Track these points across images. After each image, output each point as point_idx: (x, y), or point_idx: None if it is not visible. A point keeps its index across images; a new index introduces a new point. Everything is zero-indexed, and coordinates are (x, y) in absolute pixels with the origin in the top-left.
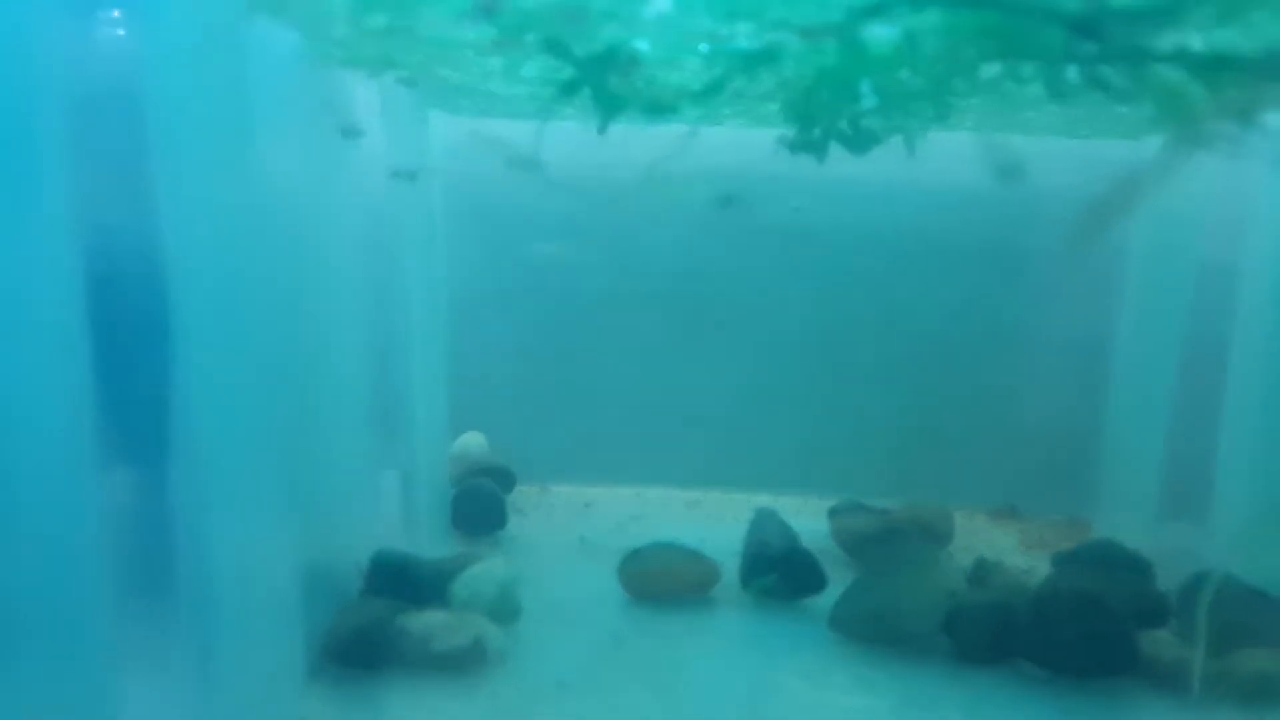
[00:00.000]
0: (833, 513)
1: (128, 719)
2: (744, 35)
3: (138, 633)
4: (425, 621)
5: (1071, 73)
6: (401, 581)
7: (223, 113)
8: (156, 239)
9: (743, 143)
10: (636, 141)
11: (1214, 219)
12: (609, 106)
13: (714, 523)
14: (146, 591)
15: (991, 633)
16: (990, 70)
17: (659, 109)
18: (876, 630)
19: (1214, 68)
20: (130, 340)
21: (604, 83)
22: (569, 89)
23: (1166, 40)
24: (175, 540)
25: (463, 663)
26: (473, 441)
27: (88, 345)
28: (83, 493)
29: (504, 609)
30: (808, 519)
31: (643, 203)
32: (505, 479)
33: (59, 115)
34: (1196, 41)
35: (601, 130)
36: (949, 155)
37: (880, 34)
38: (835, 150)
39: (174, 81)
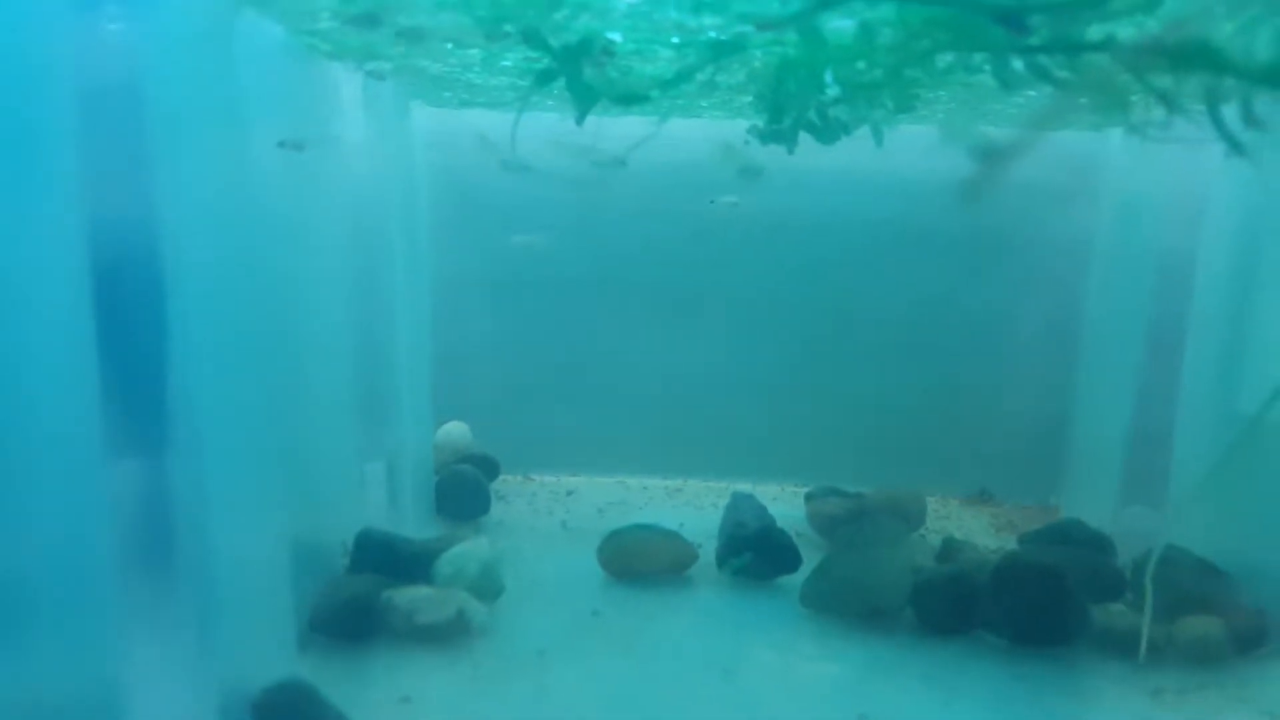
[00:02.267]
0: (809, 497)
1: (135, 686)
2: (712, 27)
3: (143, 606)
4: (410, 596)
5: (1017, 64)
6: (386, 559)
7: (216, 105)
8: (156, 232)
9: (720, 136)
10: (612, 132)
11: (1173, 207)
12: (584, 96)
13: (693, 509)
14: (150, 568)
15: (953, 604)
16: (944, 60)
17: (632, 98)
18: (845, 604)
19: (1141, 54)
20: (132, 329)
21: (579, 72)
22: (545, 78)
23: (1098, 31)
24: (176, 520)
25: (446, 634)
26: (456, 430)
27: (93, 336)
28: (90, 477)
29: (487, 586)
30: (784, 505)
31: (623, 193)
32: (489, 467)
33: (67, 109)
34: (1126, 31)
35: (579, 120)
36: (918, 146)
37: (839, 26)
38: (806, 140)
39: (171, 74)
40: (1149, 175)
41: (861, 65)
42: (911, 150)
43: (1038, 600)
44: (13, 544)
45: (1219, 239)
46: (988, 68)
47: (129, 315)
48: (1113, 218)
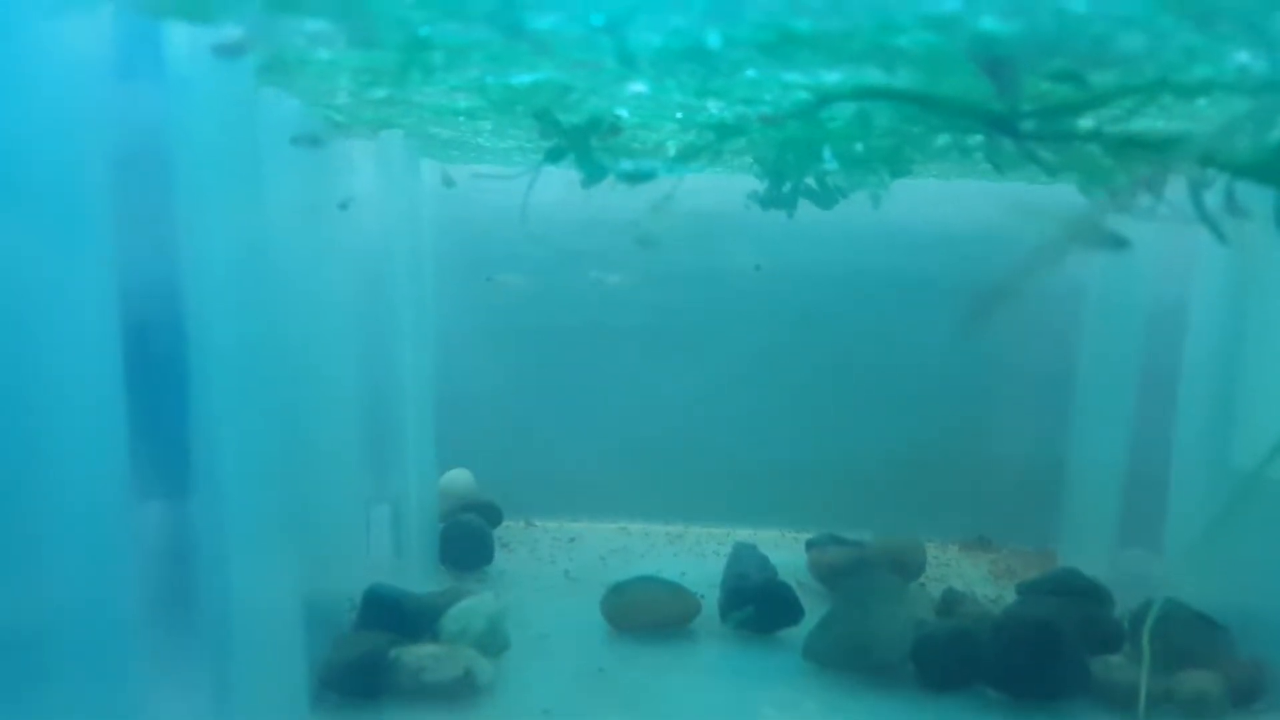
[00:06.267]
0: (809, 545)
1: None
2: (715, 107)
3: (164, 657)
4: (418, 654)
5: (1008, 146)
6: (393, 615)
7: (237, 171)
8: (180, 288)
9: (719, 186)
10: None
11: (1165, 256)
12: (593, 171)
13: (695, 556)
14: (172, 619)
15: (955, 659)
16: (939, 140)
17: (639, 178)
18: (848, 659)
19: (1126, 146)
20: (157, 381)
21: (588, 148)
22: (555, 155)
23: (1086, 121)
24: (198, 571)
25: (454, 693)
26: (459, 478)
27: (121, 385)
28: (116, 526)
29: (493, 642)
30: (785, 552)
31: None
32: (491, 514)
33: (102, 172)
34: (1113, 125)
35: (586, 187)
36: (912, 199)
37: (837, 109)
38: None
39: (197, 142)
40: (1138, 227)
41: (859, 146)
42: (905, 202)
43: (1037, 655)
44: (39, 590)
45: (1210, 287)
46: (979, 149)
47: (154, 364)
48: (1105, 265)
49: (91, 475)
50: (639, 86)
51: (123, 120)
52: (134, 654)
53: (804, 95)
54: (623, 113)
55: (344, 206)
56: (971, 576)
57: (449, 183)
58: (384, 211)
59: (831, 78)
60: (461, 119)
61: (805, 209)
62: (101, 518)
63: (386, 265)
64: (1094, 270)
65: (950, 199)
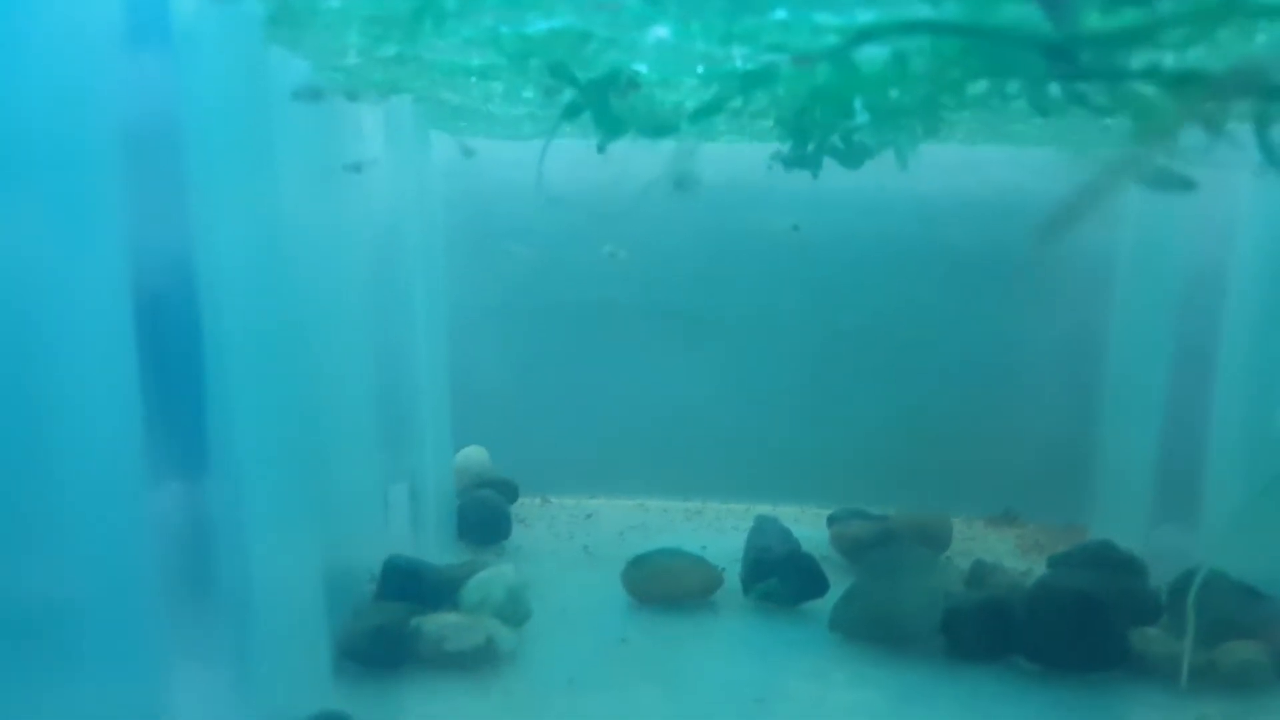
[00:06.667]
0: (831, 520)
1: (177, 712)
2: (740, 57)
3: (185, 634)
4: (439, 622)
5: (1054, 89)
6: (413, 586)
7: (249, 139)
8: (194, 262)
9: (736, 156)
10: (636, 157)
11: (1201, 221)
12: (610, 127)
13: (714, 531)
14: (192, 595)
15: (987, 630)
16: (977, 87)
17: (661, 130)
18: (875, 631)
19: (1183, 83)
20: (172, 360)
21: (605, 105)
22: (571, 111)
23: (1140, 58)
24: (217, 547)
25: (476, 661)
26: (475, 455)
27: (135, 363)
28: (133, 503)
29: (514, 611)
30: (806, 527)
31: (641, 213)
32: (508, 491)
33: (112, 141)
34: (1169, 59)
35: (601, 149)
36: (939, 166)
37: (871, 53)
38: (828, 163)
39: (207, 109)
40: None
41: (894, 93)
42: (932, 169)
43: (1074, 626)
44: (57, 573)
45: (1251, 249)
46: (1022, 94)
47: (169, 343)
48: (1137, 234)
49: (106, 457)
50: (661, 31)
51: (131, 87)
52: (154, 632)
53: (835, 40)
54: (641, 68)
55: (357, 169)
56: (999, 551)
57: (468, 152)
58: (395, 184)
59: (866, 16)
60: (474, 80)
61: (825, 177)
62: (117, 499)
63: (399, 240)
64: (1126, 234)
65: (973, 166)
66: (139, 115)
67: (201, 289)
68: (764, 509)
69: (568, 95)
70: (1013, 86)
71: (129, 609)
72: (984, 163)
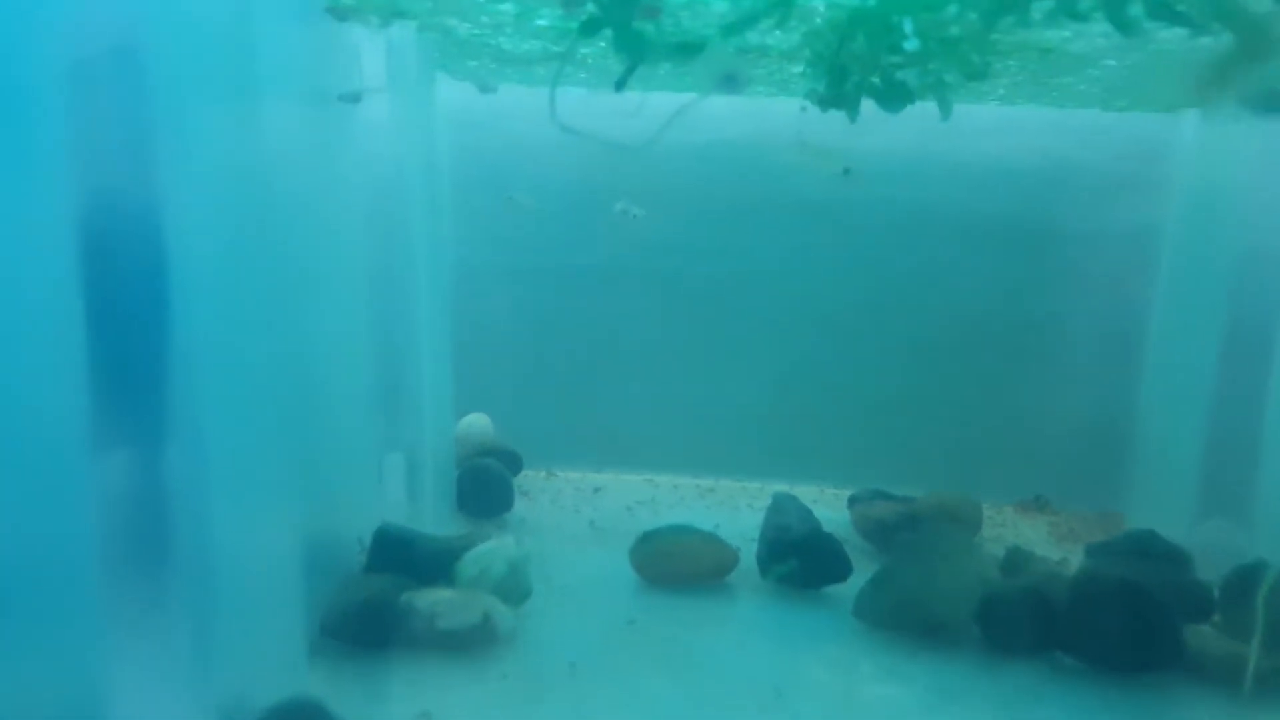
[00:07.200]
0: (853, 500)
1: (119, 699)
2: None
3: (134, 611)
4: (431, 598)
5: (1136, 8)
6: (405, 557)
7: (225, 71)
8: (156, 209)
9: (763, 112)
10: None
11: (1256, 192)
12: (633, 49)
13: (728, 510)
14: (142, 569)
15: (1027, 622)
16: (1045, 4)
17: (688, 48)
18: (905, 619)
19: None
20: (128, 314)
21: (627, 22)
22: (589, 28)
23: None
24: (172, 515)
25: (471, 641)
26: (477, 423)
27: (83, 319)
28: (75, 470)
29: (513, 588)
30: (826, 508)
31: (659, 180)
32: (511, 461)
33: (54, 74)
34: None
35: (621, 84)
36: (975, 129)
37: None
38: (862, 124)
39: (175, 37)
40: (1226, 160)
41: (952, 10)
42: (968, 134)
43: (1124, 620)
44: None
45: None
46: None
47: (124, 297)
48: (1185, 207)
49: (41, 415)
50: None
51: (79, 9)
52: (94, 606)
53: None
54: None
55: (355, 99)
56: (1031, 538)
57: (487, 88)
58: (397, 125)
59: None
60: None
61: (857, 140)
62: (54, 461)
63: (401, 188)
64: (1172, 208)
65: (1013, 128)
66: (89, 43)
67: (168, 234)
68: (780, 488)
69: (589, 7)
70: (1086, 4)
71: (62, 582)
72: (1023, 127)
